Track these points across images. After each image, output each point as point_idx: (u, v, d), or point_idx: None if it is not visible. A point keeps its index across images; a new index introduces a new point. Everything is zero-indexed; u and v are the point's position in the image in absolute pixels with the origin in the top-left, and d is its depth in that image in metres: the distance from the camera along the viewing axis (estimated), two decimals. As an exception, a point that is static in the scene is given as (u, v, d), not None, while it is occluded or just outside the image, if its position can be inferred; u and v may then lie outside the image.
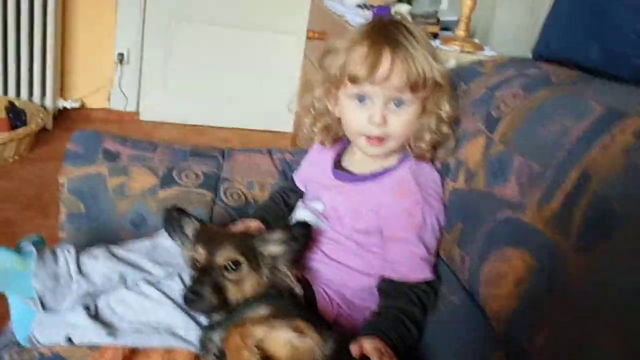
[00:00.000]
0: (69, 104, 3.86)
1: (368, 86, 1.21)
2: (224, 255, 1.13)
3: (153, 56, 4.02)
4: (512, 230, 1.05)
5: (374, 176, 1.29)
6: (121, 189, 1.46)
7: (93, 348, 1.15)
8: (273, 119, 4.12)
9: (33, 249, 1.14)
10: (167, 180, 1.49)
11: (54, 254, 1.17)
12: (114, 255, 1.22)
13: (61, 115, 3.84)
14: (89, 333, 1.14)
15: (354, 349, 1.05)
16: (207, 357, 1.12)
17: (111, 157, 1.50)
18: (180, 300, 1.20)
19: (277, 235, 1.20)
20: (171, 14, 3.97)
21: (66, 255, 1.17)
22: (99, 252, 1.22)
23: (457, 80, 1.41)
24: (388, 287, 1.22)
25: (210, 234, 1.21)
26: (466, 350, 1.10)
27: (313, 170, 1.45)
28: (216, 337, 1.09)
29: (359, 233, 1.28)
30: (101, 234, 1.42)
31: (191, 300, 1.10)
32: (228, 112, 4.21)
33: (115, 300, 1.19)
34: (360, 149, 1.32)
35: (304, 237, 1.23)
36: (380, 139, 1.25)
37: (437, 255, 1.27)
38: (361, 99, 1.24)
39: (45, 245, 1.18)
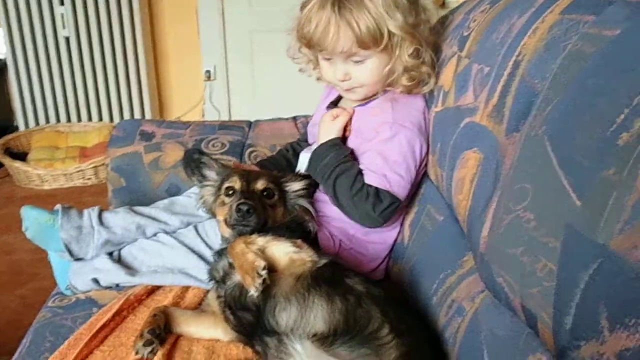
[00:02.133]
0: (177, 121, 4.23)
1: (323, 51, 1.29)
2: (262, 183, 1.24)
3: (238, 69, 4.27)
4: (468, 134, 1.06)
5: (360, 107, 1.37)
6: (156, 163, 1.63)
7: (121, 291, 1.31)
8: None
9: (60, 207, 1.33)
10: (195, 151, 1.64)
11: (80, 212, 1.35)
12: (133, 211, 1.38)
13: (163, 134, 4.21)
14: (111, 275, 1.30)
15: None
16: (215, 286, 1.22)
17: (147, 137, 1.68)
18: (194, 246, 1.34)
19: (299, 178, 1.33)
20: (250, 27, 4.20)
21: (90, 212, 1.35)
22: (120, 209, 1.39)
23: (448, 15, 1.43)
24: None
25: (242, 170, 1.35)
26: (442, 259, 1.12)
27: (317, 115, 1.54)
28: (220, 265, 1.20)
29: None
30: (142, 204, 1.58)
31: (246, 211, 1.15)
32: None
33: (137, 248, 1.36)
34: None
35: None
36: (353, 89, 1.33)
37: (408, 178, 1.29)
38: (327, 58, 1.33)
39: (73, 208, 1.37)
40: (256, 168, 1.47)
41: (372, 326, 0.99)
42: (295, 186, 1.31)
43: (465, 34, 1.22)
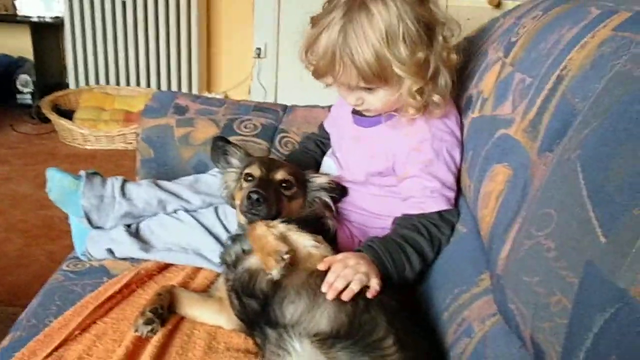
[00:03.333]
0: (213, 97, 4.24)
1: (331, 80, 1.22)
2: (282, 173, 1.21)
3: (289, 49, 4.24)
4: (501, 146, 1.01)
5: (388, 117, 1.28)
6: (186, 138, 1.62)
7: (134, 263, 1.31)
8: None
9: (84, 173, 1.33)
10: (227, 131, 1.62)
11: (103, 180, 1.35)
12: (156, 185, 1.37)
13: (207, 107, 4.24)
14: (126, 247, 1.30)
15: (325, 261, 1.06)
16: (225, 271, 1.21)
17: (180, 110, 1.67)
18: (212, 227, 1.33)
19: (324, 176, 1.30)
20: (305, 9, 4.15)
21: (113, 182, 1.35)
22: (144, 181, 1.39)
23: (500, 17, 1.37)
24: (400, 219, 1.22)
25: (264, 158, 1.32)
26: (459, 273, 1.07)
27: (338, 116, 1.46)
28: (233, 250, 1.18)
29: (375, 176, 1.29)
30: (168, 178, 1.57)
31: (257, 200, 1.12)
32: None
33: (155, 223, 1.35)
34: None
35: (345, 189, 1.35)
36: (367, 110, 1.27)
37: (458, 188, 1.23)
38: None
39: (98, 174, 1.37)
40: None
41: (376, 334, 0.95)
42: (318, 180, 1.28)
43: (513, 39, 1.16)
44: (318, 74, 1.22)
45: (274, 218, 1.15)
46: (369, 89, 1.19)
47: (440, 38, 1.17)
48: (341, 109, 1.43)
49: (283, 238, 1.07)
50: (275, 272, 1.01)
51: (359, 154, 1.31)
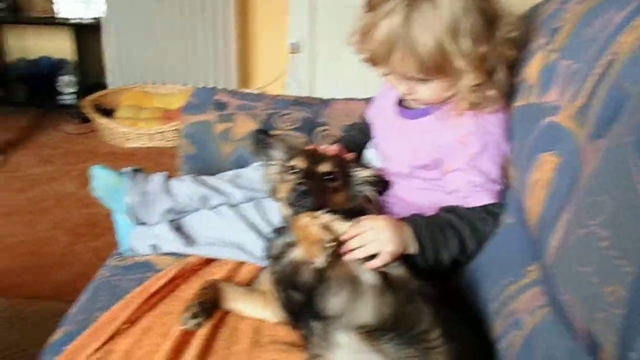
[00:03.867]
0: (251, 92, 4.27)
1: (385, 69, 1.19)
2: (326, 165, 1.21)
3: (324, 43, 4.23)
4: (548, 134, 0.98)
5: (437, 108, 1.25)
6: (226, 134, 1.63)
7: (178, 258, 1.32)
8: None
9: (129, 170, 1.35)
10: (266, 125, 1.63)
11: (147, 177, 1.37)
12: (198, 180, 1.39)
13: (244, 103, 4.27)
14: (169, 243, 1.32)
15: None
16: (269, 264, 1.21)
17: (220, 106, 1.68)
18: (254, 221, 1.33)
19: (368, 169, 1.30)
20: (341, 3, 4.13)
21: (157, 178, 1.37)
22: (186, 177, 1.40)
23: (541, 4, 1.33)
24: (446, 206, 1.20)
25: (308, 150, 1.32)
26: (506, 265, 1.05)
27: (380, 108, 1.44)
28: (277, 243, 1.18)
29: (420, 169, 1.27)
30: (210, 174, 1.58)
31: (303, 192, 1.13)
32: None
33: (198, 218, 1.37)
34: None
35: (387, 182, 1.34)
36: (416, 100, 1.25)
37: (503, 181, 1.21)
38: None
39: (142, 171, 1.39)
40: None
41: (422, 326, 0.95)
42: (363, 173, 1.27)
43: (557, 25, 1.13)
44: (373, 62, 1.19)
45: (318, 210, 1.15)
46: (424, 79, 1.17)
47: (501, 33, 1.14)
48: (384, 100, 1.41)
49: (327, 228, 1.08)
50: (319, 261, 1.01)
51: (403, 147, 1.29)
